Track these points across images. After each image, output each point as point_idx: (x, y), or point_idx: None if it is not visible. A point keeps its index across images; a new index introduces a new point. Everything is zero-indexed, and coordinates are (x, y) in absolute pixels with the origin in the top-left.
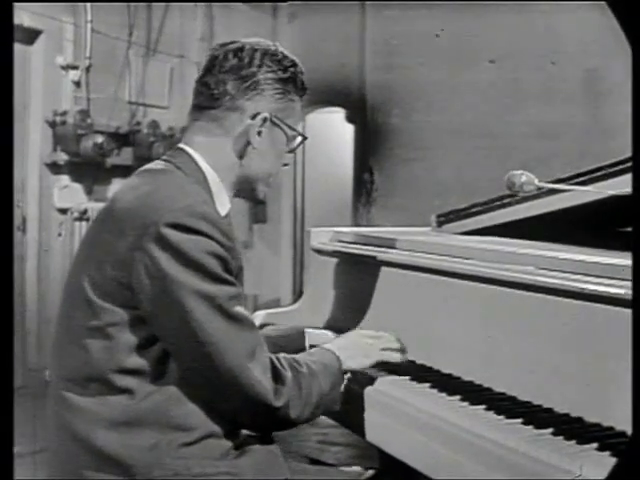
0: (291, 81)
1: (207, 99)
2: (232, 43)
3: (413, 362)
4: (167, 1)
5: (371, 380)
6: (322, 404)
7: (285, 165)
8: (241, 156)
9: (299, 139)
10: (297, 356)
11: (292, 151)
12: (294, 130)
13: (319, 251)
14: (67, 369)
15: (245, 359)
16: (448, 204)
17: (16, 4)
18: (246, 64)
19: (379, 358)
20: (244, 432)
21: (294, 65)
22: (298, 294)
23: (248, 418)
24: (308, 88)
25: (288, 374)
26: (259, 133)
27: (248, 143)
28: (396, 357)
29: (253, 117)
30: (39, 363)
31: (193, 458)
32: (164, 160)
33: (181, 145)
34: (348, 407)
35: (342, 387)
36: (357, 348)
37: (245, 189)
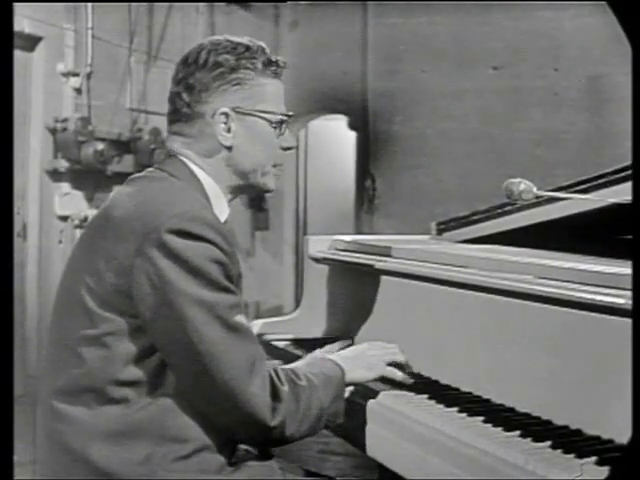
0: (247, 67)
1: (172, 113)
2: (187, 54)
3: (411, 372)
4: (169, 1)
5: (369, 391)
6: (323, 417)
7: (286, 149)
8: (223, 156)
9: (283, 119)
10: (298, 367)
11: (282, 134)
12: (270, 112)
13: (317, 259)
14: (61, 379)
15: (244, 372)
16: (450, 211)
17: (16, 11)
18: (192, 70)
19: (383, 373)
20: (240, 446)
21: (247, 50)
22: (300, 301)
23: (243, 432)
24: (278, 62)
25: (285, 389)
26: (228, 130)
27: (221, 144)
28: (400, 375)
29: (212, 116)
30: (39, 371)
31: (187, 473)
32: (157, 168)
33: (173, 153)
34: (344, 419)
35: (344, 399)
36: (361, 360)
37: (244, 186)
